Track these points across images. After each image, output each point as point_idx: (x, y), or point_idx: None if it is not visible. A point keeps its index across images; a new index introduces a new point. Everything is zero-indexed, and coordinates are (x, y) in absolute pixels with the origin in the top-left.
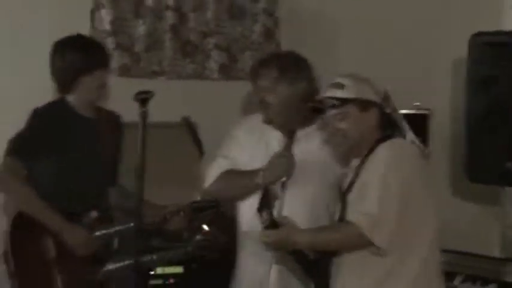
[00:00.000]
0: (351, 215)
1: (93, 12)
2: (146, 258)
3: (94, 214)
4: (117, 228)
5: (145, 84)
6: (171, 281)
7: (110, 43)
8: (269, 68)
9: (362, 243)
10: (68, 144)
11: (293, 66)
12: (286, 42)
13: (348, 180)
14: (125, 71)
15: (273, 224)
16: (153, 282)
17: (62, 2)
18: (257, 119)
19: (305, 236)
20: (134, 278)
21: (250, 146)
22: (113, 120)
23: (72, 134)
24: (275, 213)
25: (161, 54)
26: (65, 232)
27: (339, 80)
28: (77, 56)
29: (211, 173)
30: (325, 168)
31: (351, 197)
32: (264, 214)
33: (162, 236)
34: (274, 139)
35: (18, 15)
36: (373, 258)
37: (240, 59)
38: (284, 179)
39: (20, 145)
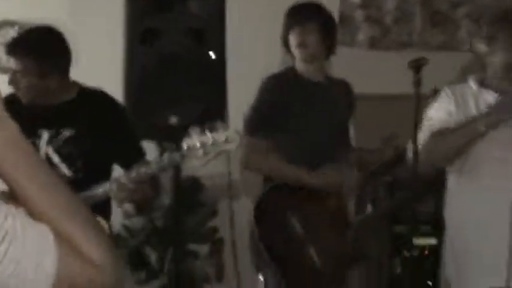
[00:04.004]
0: None
1: None
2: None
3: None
4: None
5: (395, 56)
6: (426, 252)
7: (358, 16)
8: None
9: None
10: (302, 110)
11: None
12: None
13: None
14: (374, 44)
15: None
16: (407, 254)
17: None
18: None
19: None
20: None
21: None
22: (343, 86)
23: (303, 99)
24: None
25: (410, 26)
26: (321, 179)
27: None
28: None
29: (422, 137)
30: None
31: None
32: None
33: None
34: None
35: None
36: None
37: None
38: None
39: (258, 122)
